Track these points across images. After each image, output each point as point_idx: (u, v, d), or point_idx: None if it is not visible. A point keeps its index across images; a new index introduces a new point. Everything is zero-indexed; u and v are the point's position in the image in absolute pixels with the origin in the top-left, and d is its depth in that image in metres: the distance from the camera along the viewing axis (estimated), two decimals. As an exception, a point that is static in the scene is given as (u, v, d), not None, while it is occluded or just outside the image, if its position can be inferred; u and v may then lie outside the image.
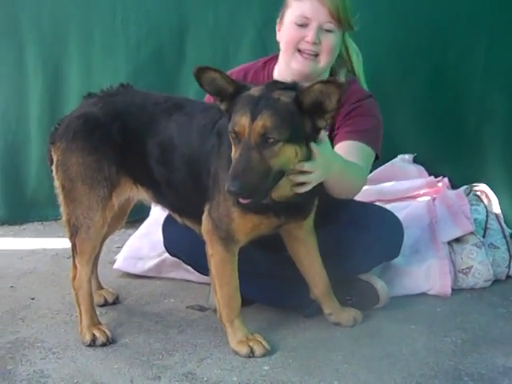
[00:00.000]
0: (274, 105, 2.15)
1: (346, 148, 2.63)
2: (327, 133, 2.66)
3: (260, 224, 2.38)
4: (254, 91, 2.22)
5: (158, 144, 2.56)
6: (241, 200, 2.18)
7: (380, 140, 2.77)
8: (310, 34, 2.64)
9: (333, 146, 2.58)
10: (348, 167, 2.49)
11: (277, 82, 2.34)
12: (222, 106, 2.29)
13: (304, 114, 2.18)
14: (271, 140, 2.13)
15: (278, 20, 2.80)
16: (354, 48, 2.86)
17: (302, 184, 2.27)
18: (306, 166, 2.23)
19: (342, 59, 2.83)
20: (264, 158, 2.12)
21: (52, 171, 2.69)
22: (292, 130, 2.15)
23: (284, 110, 2.16)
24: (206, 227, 2.44)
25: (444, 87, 3.90)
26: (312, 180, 2.27)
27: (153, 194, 2.66)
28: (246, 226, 2.38)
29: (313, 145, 2.24)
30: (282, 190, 2.28)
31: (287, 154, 2.16)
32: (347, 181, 2.56)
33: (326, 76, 2.75)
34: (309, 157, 2.23)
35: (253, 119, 2.12)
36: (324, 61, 2.69)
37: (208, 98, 2.86)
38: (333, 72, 2.81)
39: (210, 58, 4.15)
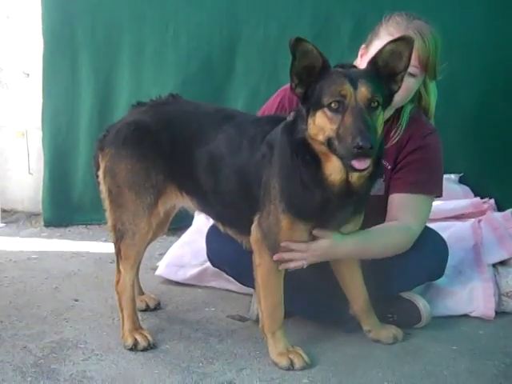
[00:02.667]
0: (364, 74, 2.23)
1: (402, 202, 2.64)
2: (389, 167, 2.69)
3: (306, 234, 2.39)
4: (337, 69, 2.27)
5: (208, 153, 2.56)
6: (360, 163, 2.10)
7: (441, 182, 2.76)
8: None
9: (389, 186, 2.66)
10: (369, 240, 2.51)
11: (345, 64, 2.36)
12: (298, 89, 2.26)
13: (381, 80, 2.24)
14: (375, 104, 2.18)
15: (363, 45, 2.72)
16: (434, 91, 2.80)
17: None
18: (294, 246, 2.38)
19: (415, 95, 2.77)
20: (373, 120, 2.16)
21: (97, 177, 2.73)
22: (382, 95, 2.21)
23: (372, 77, 2.21)
24: (254, 237, 2.45)
25: (493, 108, 3.88)
26: (296, 258, 2.41)
27: (198, 202, 2.68)
28: (293, 236, 2.38)
29: (317, 231, 2.37)
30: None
31: (381, 119, 2.22)
32: (374, 251, 2.56)
33: (391, 111, 2.70)
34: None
35: (354, 86, 2.16)
36: (398, 100, 2.53)
37: (265, 110, 2.89)
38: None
39: (258, 72, 4.22)
